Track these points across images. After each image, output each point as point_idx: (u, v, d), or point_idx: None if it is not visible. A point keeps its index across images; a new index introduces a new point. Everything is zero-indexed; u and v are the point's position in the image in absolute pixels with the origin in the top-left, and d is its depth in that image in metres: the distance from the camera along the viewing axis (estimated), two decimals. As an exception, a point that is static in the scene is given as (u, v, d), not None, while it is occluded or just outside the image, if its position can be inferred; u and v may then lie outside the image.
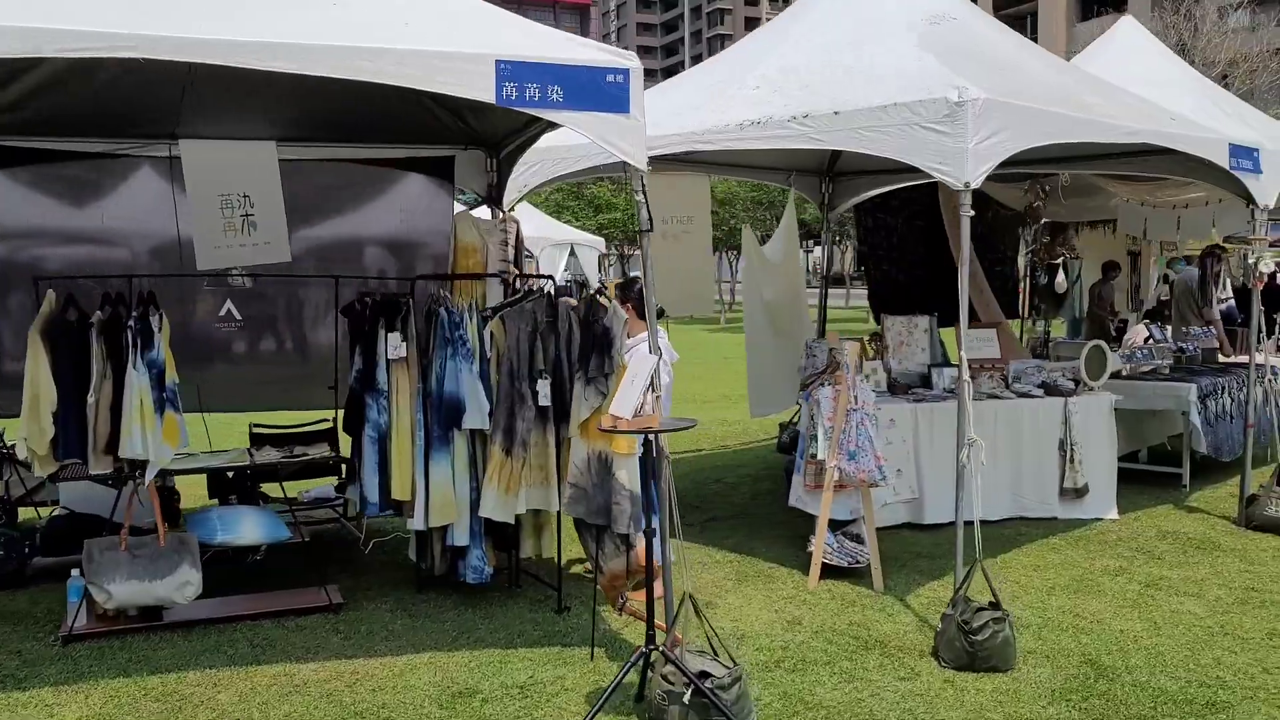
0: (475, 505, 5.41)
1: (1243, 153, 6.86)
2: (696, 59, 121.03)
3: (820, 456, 6.06)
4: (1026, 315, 13.10)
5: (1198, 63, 31.80)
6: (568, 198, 38.17)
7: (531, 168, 7.08)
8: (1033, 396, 7.48)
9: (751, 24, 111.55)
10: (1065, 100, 5.82)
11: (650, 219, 4.25)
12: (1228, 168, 6.76)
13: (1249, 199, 7.06)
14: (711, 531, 7.20)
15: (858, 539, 6.36)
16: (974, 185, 4.90)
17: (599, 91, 4.04)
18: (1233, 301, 11.84)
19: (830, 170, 9.48)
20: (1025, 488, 7.42)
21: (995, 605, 4.89)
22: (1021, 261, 11.96)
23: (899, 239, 10.47)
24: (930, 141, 5.00)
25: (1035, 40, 42.71)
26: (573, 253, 23.39)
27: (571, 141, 6.90)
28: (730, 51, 7.47)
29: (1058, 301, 12.71)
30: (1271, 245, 10.54)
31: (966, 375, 5.23)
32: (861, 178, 9.46)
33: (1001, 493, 7.35)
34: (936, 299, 10.56)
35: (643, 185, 4.23)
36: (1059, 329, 12.86)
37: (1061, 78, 6.34)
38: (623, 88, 4.08)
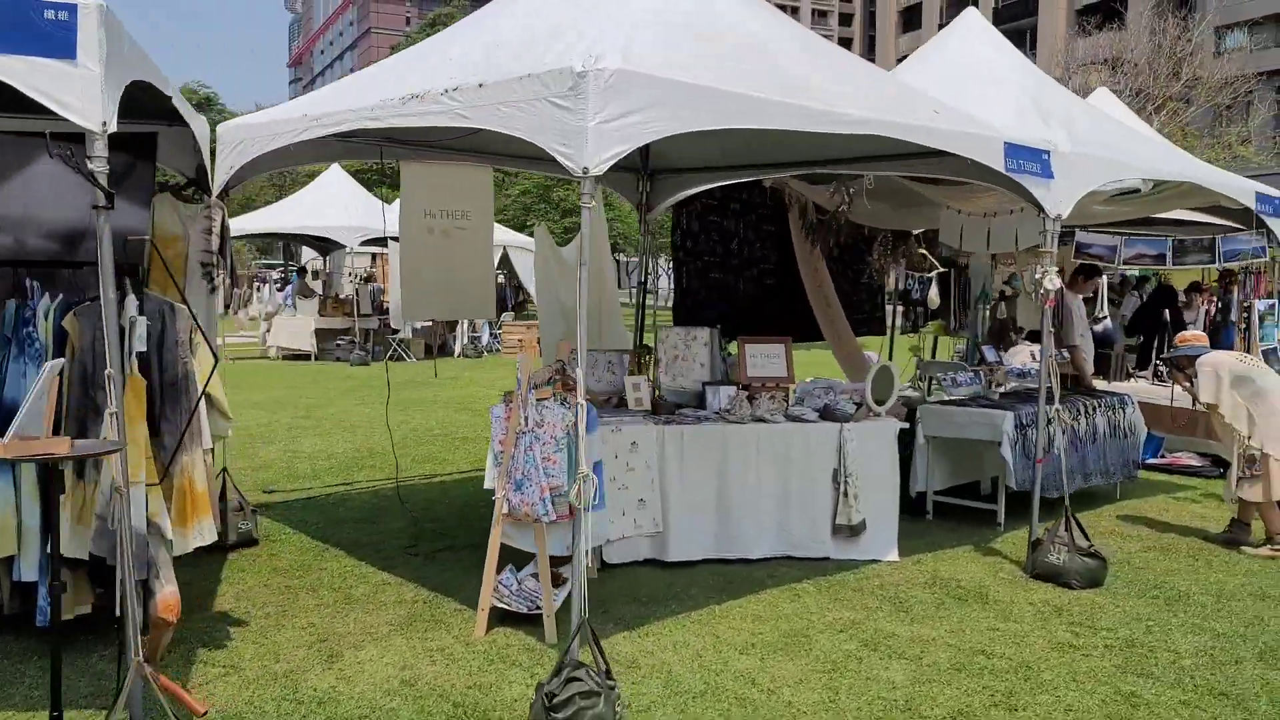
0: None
1: (1025, 154, 6.08)
2: None
3: (488, 485, 5.26)
4: (911, 329, 12.36)
5: (1183, 77, 31.11)
6: (537, 200, 37.43)
7: (235, 147, 6.29)
8: (805, 421, 6.68)
9: None
10: (785, 87, 5.03)
11: (107, 195, 3.45)
12: (1003, 169, 5.97)
13: (1038, 207, 6.28)
14: (434, 563, 6.41)
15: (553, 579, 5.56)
16: (596, 171, 4.11)
17: (31, 29, 3.25)
18: (1109, 322, 11.05)
19: (646, 166, 8.68)
20: (794, 523, 6.61)
21: (607, 674, 4.10)
22: (894, 274, 11.21)
23: (742, 245, 9.69)
24: (555, 118, 4.21)
25: (1034, 55, 41.85)
26: (505, 256, 22.58)
27: (291, 114, 6.14)
28: (467, 19, 6.67)
29: (937, 315, 11.97)
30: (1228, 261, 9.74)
31: (582, 397, 4.42)
32: (682, 175, 8.66)
33: (766, 529, 6.55)
34: (791, 312, 9.83)
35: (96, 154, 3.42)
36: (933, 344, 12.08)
37: (809, 65, 5.54)
38: (67, 27, 3.29)
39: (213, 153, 6.46)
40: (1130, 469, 8.74)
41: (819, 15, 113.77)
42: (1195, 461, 10.08)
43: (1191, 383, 7.43)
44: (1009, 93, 7.27)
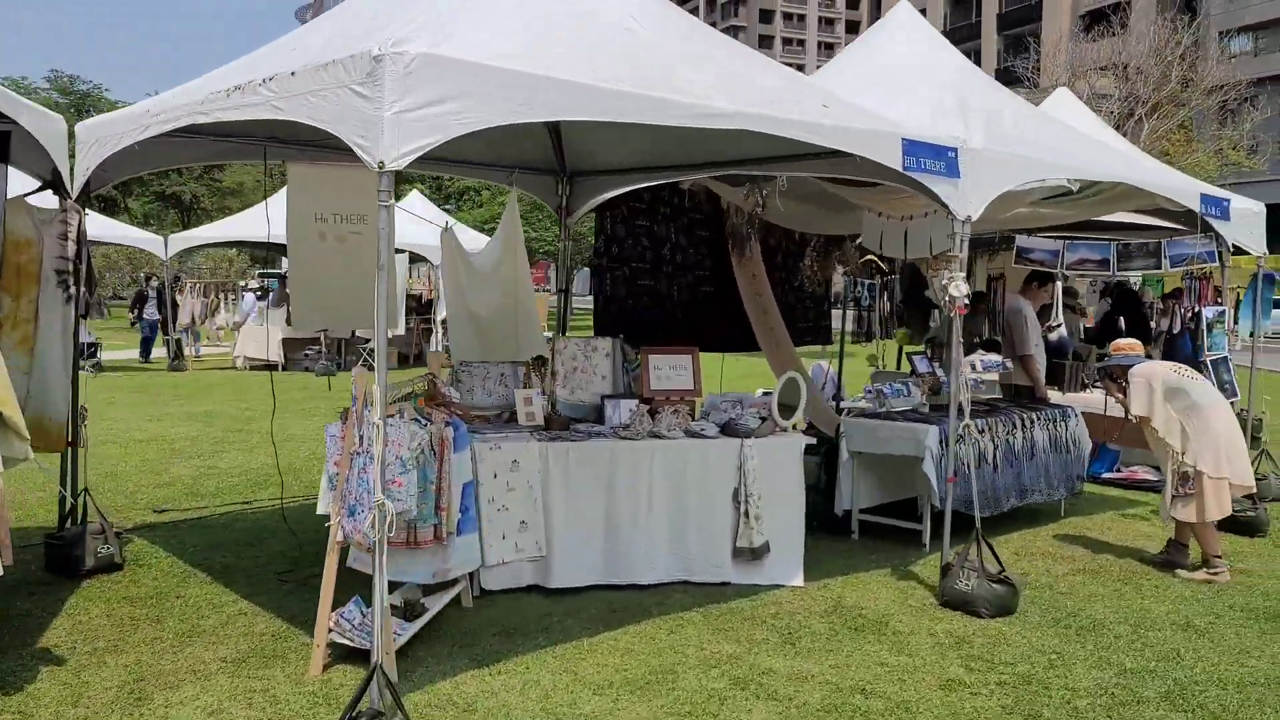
0: None
1: (927, 151, 5.67)
2: None
3: (321, 511, 4.86)
4: (864, 338, 11.97)
5: (1173, 77, 30.64)
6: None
7: (91, 147, 5.91)
8: (704, 437, 6.27)
9: (766, 15, 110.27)
10: (643, 77, 4.63)
11: None
12: (901, 168, 5.56)
13: (945, 208, 5.87)
14: (303, 591, 5.94)
15: (405, 609, 5.17)
16: (397, 166, 3.72)
17: None
18: (1064, 331, 10.62)
19: (564, 167, 8.28)
20: (691, 547, 6.19)
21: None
22: (841, 280, 10.81)
23: (675, 251, 9.28)
24: (354, 108, 3.81)
25: (1039, 60, 41.35)
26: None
27: (135, 111, 5.76)
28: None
29: (922, 322, 11.55)
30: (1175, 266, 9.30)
31: (374, 418, 4.03)
32: (602, 177, 8.27)
33: (660, 553, 6.13)
34: (730, 320, 9.42)
35: None
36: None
37: (680, 55, 5.15)
38: None
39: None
40: (1074, 484, 8.31)
41: (825, 23, 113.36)
42: (1152, 476, 9.65)
43: (1124, 394, 7.00)
44: (930, 89, 6.88)
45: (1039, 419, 7.99)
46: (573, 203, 8.43)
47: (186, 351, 22.07)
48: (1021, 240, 8.26)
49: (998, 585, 5.78)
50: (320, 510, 4.99)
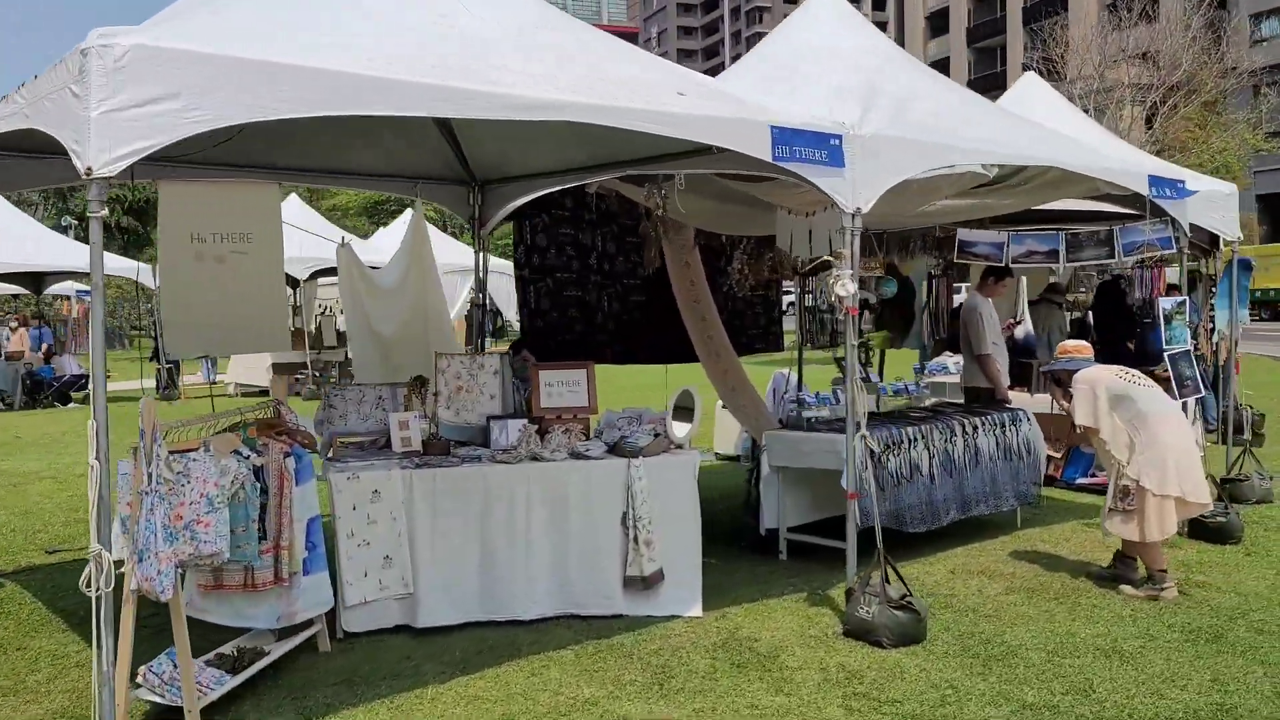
0: None
1: (803, 139, 5.18)
2: (737, 60, 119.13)
3: (114, 556, 4.43)
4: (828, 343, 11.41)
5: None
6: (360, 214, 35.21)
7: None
8: (588, 457, 5.80)
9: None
10: (445, 67, 4.20)
11: None
12: (770, 157, 5.08)
13: (831, 200, 5.38)
14: (164, 637, 5.55)
15: (234, 658, 4.75)
16: (104, 172, 3.29)
17: None
18: (1028, 327, 10.04)
19: (474, 176, 7.86)
20: (575, 578, 5.72)
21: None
22: (797, 287, 10.31)
23: (603, 259, 8.83)
24: (70, 109, 3.40)
25: (1064, 52, 40.45)
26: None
27: None
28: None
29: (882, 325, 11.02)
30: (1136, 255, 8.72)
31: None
32: (512, 184, 7.83)
33: (542, 586, 5.66)
34: (668, 330, 8.93)
35: None
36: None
37: (503, 38, 4.71)
38: None
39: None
40: (1027, 493, 7.74)
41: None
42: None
43: (1070, 400, 6.45)
44: (840, 75, 6.39)
45: (984, 424, 7.44)
46: (486, 213, 8.01)
47: (187, 379, 21.91)
48: (963, 234, 7.73)
49: (899, 612, 5.25)
50: (114, 555, 4.57)
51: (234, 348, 10.24)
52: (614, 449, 5.87)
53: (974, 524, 7.59)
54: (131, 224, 42.31)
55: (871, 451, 6.56)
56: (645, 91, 4.76)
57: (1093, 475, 9.34)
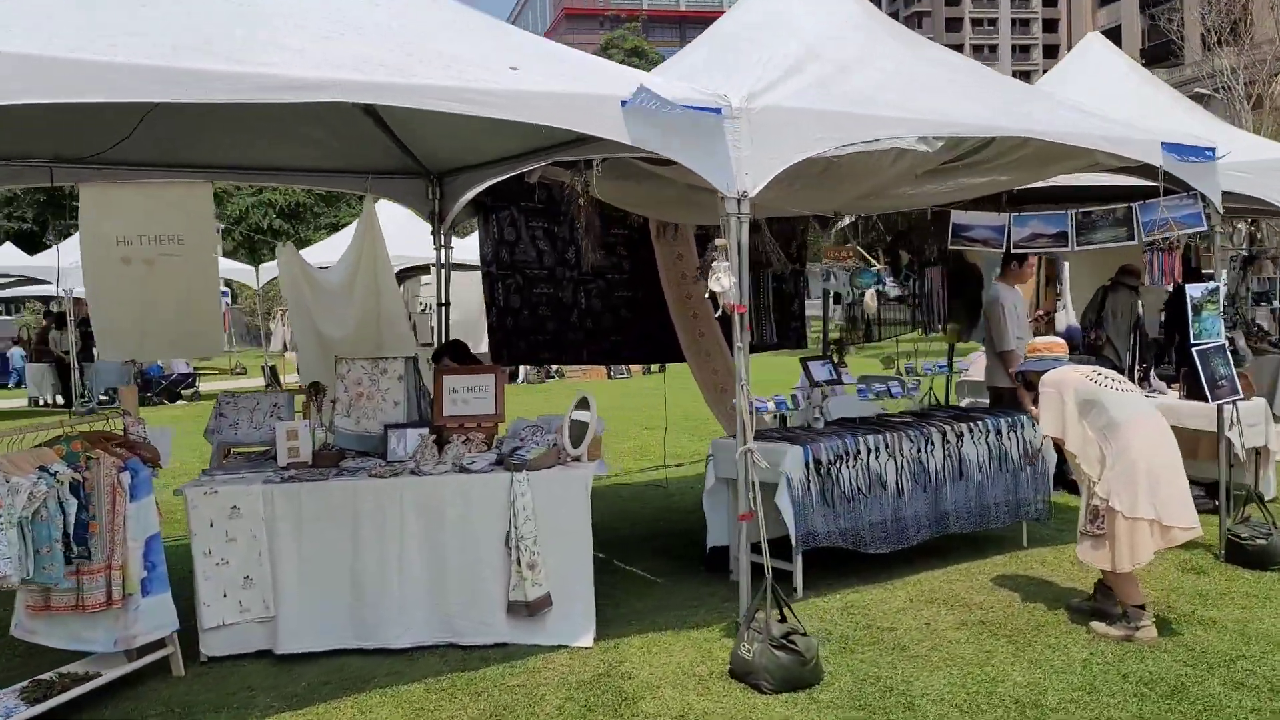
0: None
1: (670, 114, 4.56)
2: None
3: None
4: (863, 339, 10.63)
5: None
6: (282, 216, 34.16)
7: None
8: (471, 471, 5.33)
9: (953, 25, 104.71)
10: (211, 50, 3.80)
11: None
12: (627, 139, 4.48)
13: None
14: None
15: (35, 688, 4.49)
16: None
17: None
18: (1069, 314, 8.99)
19: (424, 168, 7.45)
20: (454, 603, 5.25)
21: None
22: (816, 274, 9.55)
23: (580, 255, 8.32)
24: None
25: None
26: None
27: None
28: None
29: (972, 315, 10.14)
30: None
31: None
32: (468, 174, 7.38)
33: (416, 611, 5.23)
34: (654, 329, 8.39)
35: None
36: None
37: (283, 15, 4.26)
38: None
39: None
40: (1031, 507, 6.83)
41: (1020, 50, 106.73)
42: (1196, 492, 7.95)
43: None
44: (774, 44, 5.70)
45: (973, 431, 6.60)
46: (446, 206, 7.61)
47: (284, 379, 22.47)
48: (957, 216, 6.85)
49: (780, 652, 4.58)
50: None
51: (164, 352, 10.18)
52: (502, 461, 5.39)
53: (970, 541, 6.77)
54: (281, 225, 43.50)
55: (817, 463, 5.90)
56: (460, 68, 4.24)
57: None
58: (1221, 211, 6.49)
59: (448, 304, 7.84)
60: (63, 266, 14.25)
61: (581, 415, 5.47)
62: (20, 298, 29.55)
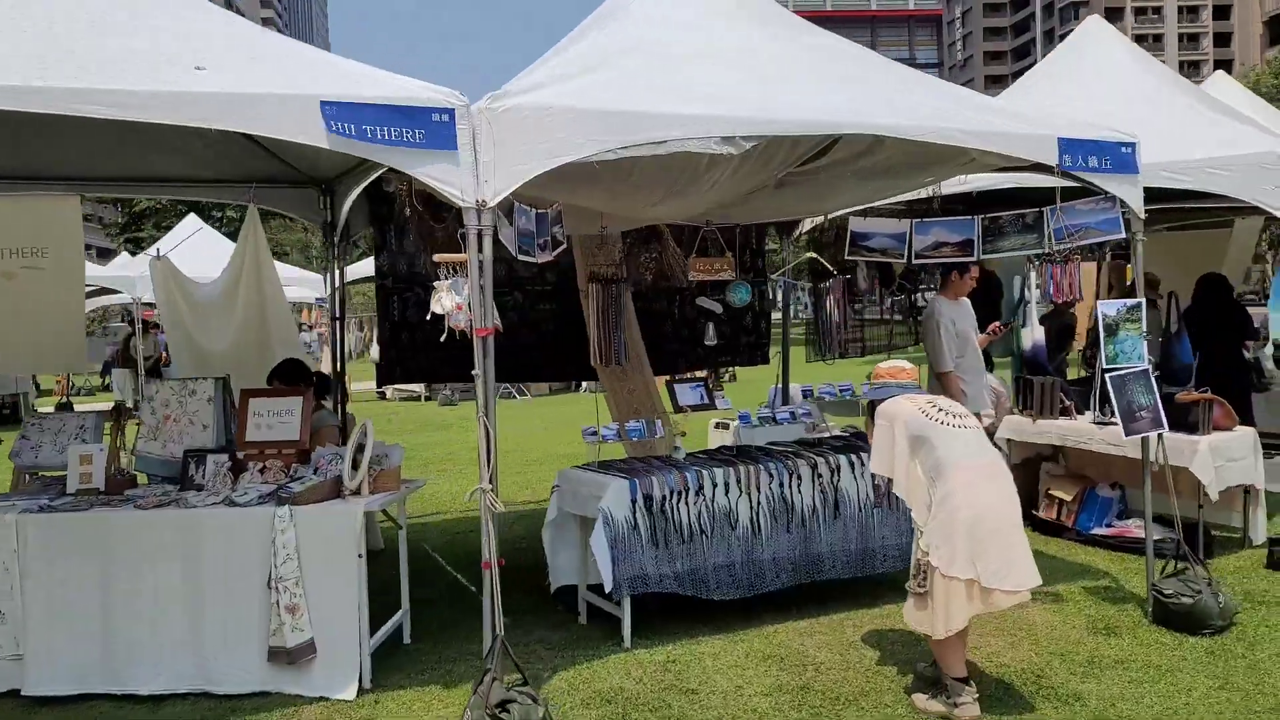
0: None
1: (383, 117, 4.10)
2: (1049, 34, 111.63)
3: None
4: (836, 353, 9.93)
5: None
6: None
7: None
8: (237, 504, 4.95)
9: (1114, 15, 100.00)
10: None
11: None
12: (326, 144, 4.03)
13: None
14: None
15: None
16: None
17: None
18: (1036, 332, 8.08)
19: (308, 175, 7.14)
20: (210, 648, 4.87)
21: None
22: (778, 286, 8.96)
23: (497, 265, 7.88)
24: None
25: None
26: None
27: None
28: None
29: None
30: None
31: None
32: (358, 178, 7.02)
33: (169, 655, 4.87)
34: (568, 352, 7.91)
35: None
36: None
37: None
38: None
39: None
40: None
41: (1188, 39, 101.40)
42: (1155, 534, 7.02)
43: None
44: (588, 39, 5.21)
45: (853, 465, 5.87)
46: (339, 215, 7.28)
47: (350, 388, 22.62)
48: (855, 224, 6.10)
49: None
50: None
51: (26, 366, 10.10)
52: (274, 494, 5.00)
53: (874, 586, 6.06)
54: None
55: (647, 499, 5.33)
56: (117, 70, 3.85)
57: (1109, 525, 7.37)
58: (1143, 216, 5.62)
59: (342, 318, 7.51)
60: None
61: (361, 443, 5.03)
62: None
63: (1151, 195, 5.71)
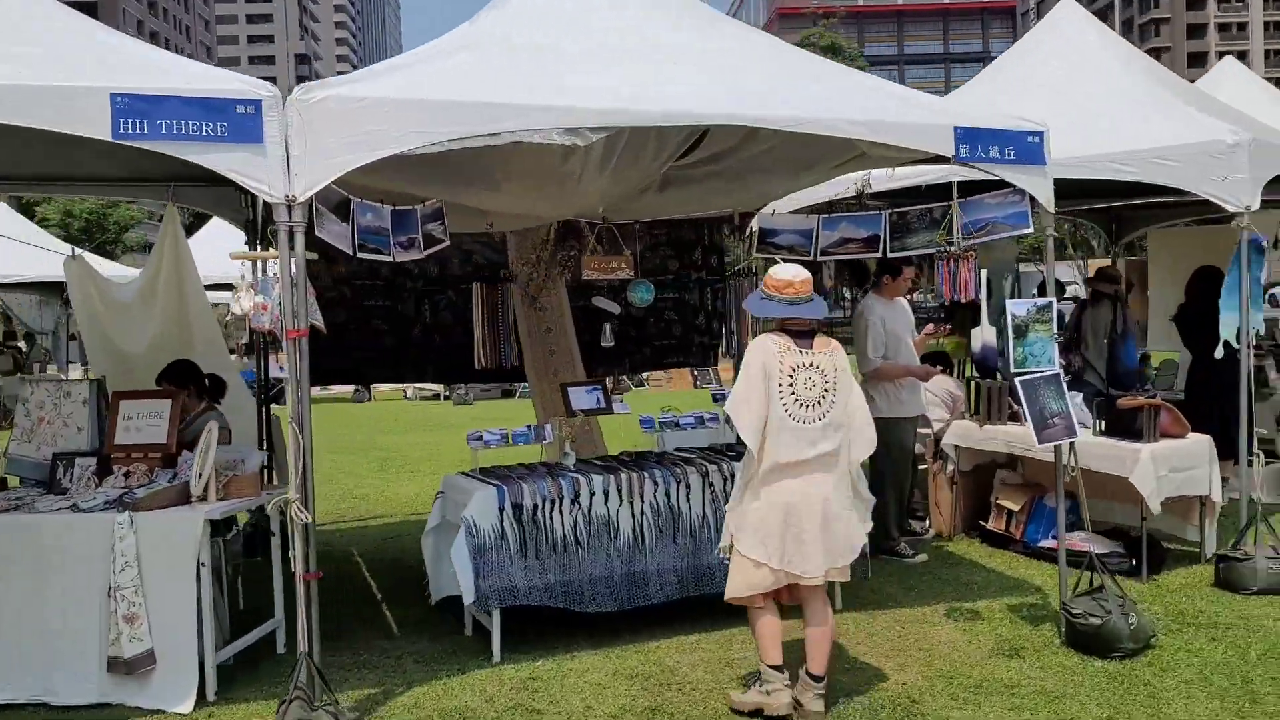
0: None
1: (184, 110, 3.94)
2: None
3: None
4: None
5: None
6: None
7: None
8: (81, 509, 4.83)
9: (1195, 3, 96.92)
10: None
11: None
12: (110, 136, 3.88)
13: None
14: None
15: None
16: None
17: None
18: (989, 335, 7.68)
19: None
20: (55, 656, 4.73)
21: None
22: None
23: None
24: None
25: None
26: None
27: None
28: None
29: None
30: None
31: None
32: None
33: (14, 664, 4.74)
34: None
35: None
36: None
37: None
38: None
39: None
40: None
41: (1275, 28, 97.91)
42: (1097, 547, 6.62)
43: None
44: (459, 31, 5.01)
45: (689, 473, 5.55)
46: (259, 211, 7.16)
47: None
48: (763, 220, 5.80)
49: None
50: None
51: None
52: (120, 499, 4.87)
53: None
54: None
55: (517, 508, 5.12)
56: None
57: (1055, 537, 6.96)
58: (1053, 210, 5.26)
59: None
60: None
61: (210, 446, 4.88)
62: None
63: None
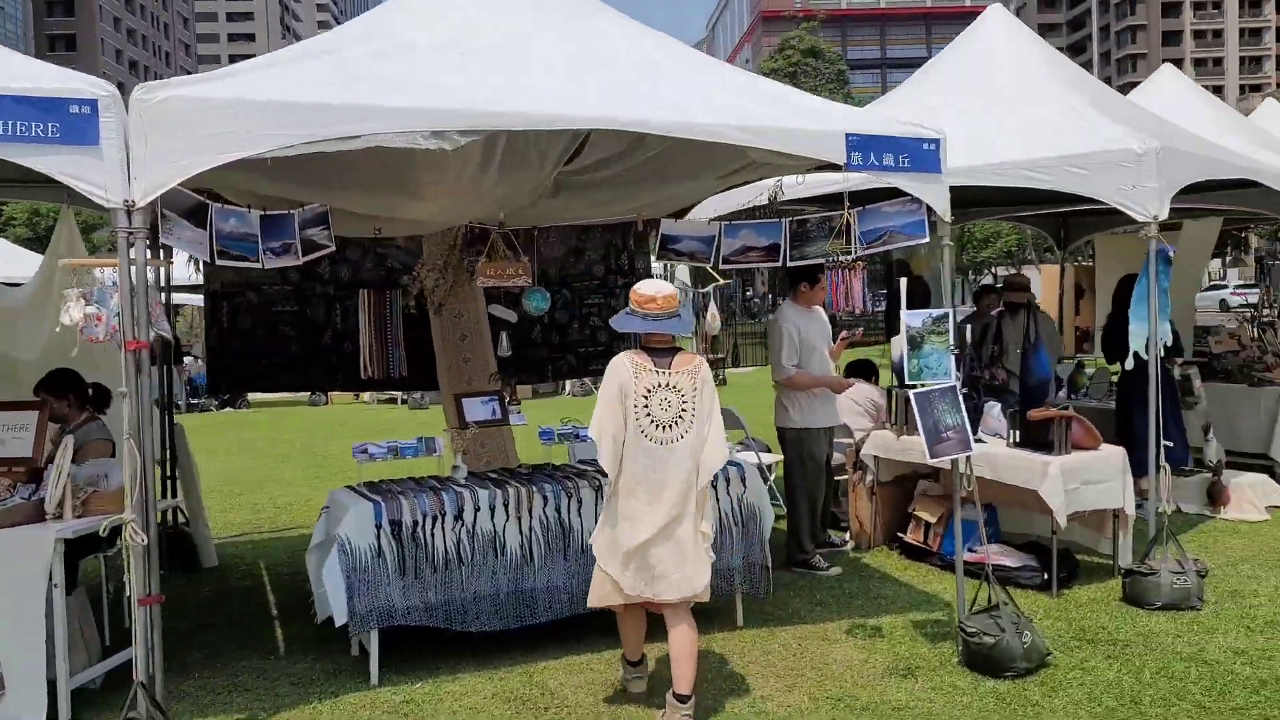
0: None
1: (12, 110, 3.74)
2: (1105, 56, 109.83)
3: None
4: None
5: None
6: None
7: None
8: (-70, 528, 4.63)
9: (1170, 10, 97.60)
10: None
11: None
12: None
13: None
14: None
15: None
16: None
17: None
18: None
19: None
20: (-97, 678, 4.56)
21: None
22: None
23: (339, 270, 7.58)
24: None
25: None
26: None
27: None
28: None
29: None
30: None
31: None
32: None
33: None
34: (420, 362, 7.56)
35: None
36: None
37: None
38: None
39: None
40: (749, 579, 5.63)
41: (1250, 6, 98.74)
42: (1010, 560, 6.54)
43: None
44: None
45: (569, 488, 5.40)
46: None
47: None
48: (666, 227, 5.66)
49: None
50: None
51: None
52: (-38, 517, 4.67)
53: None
54: None
55: (395, 525, 4.95)
56: None
57: (971, 550, 6.85)
58: (949, 220, 5.14)
59: (174, 327, 7.19)
60: None
61: (66, 461, 4.69)
62: None
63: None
